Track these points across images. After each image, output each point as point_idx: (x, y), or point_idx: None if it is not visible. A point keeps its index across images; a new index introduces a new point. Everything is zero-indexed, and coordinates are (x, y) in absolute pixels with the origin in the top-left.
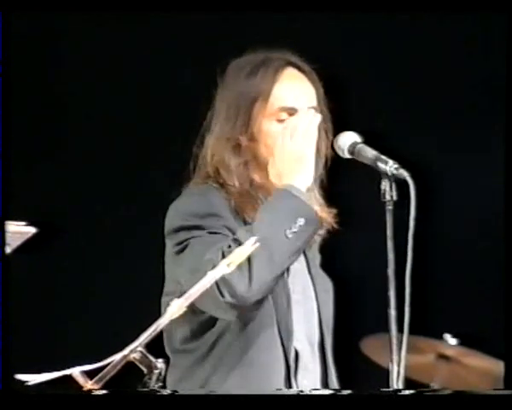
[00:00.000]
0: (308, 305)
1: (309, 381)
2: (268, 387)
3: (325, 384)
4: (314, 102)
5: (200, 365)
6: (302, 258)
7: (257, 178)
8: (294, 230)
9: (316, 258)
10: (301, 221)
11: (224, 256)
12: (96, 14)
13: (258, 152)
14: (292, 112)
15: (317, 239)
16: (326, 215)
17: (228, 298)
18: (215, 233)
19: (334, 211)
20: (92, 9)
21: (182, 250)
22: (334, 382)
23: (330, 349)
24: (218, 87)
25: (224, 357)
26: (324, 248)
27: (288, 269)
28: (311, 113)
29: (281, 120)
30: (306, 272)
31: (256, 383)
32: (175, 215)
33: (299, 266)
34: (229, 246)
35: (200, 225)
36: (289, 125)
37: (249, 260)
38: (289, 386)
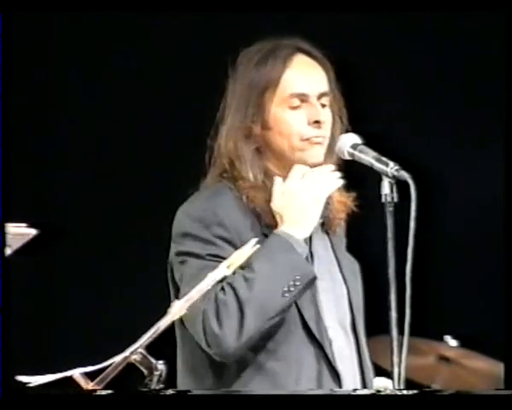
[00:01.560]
0: (337, 289)
1: (345, 366)
2: (305, 382)
3: (361, 367)
4: (326, 88)
5: (227, 366)
6: (327, 243)
7: (270, 166)
8: (291, 289)
9: (342, 242)
10: (298, 281)
11: (216, 302)
12: (96, 15)
13: (270, 140)
14: (304, 98)
15: (341, 223)
16: (345, 199)
17: (214, 350)
18: (216, 257)
19: (354, 194)
20: (92, 9)
21: (182, 263)
22: (368, 364)
23: (363, 331)
24: (229, 78)
25: (250, 358)
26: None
27: (312, 257)
28: (333, 174)
29: (293, 107)
30: (332, 256)
31: (290, 380)
32: (182, 219)
33: (324, 252)
34: (223, 288)
35: (204, 238)
36: (311, 176)
37: (242, 314)
38: (335, 374)
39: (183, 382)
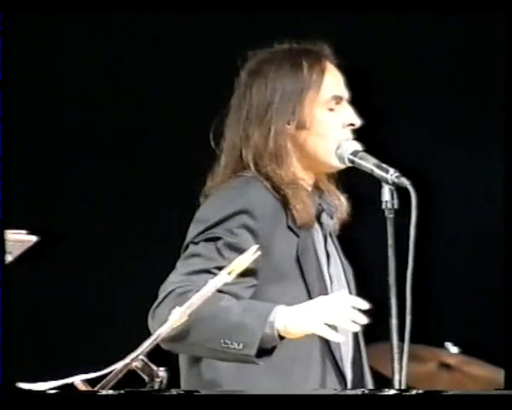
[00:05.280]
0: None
1: (349, 369)
2: (312, 381)
3: (361, 370)
4: (348, 94)
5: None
6: (333, 246)
7: (298, 169)
8: (230, 346)
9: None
10: (238, 344)
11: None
12: (96, 15)
13: (305, 141)
14: (339, 101)
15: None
16: (344, 201)
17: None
18: (231, 248)
19: (346, 195)
20: (92, 9)
21: (196, 243)
22: (367, 368)
23: (362, 337)
24: (252, 79)
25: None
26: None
27: (328, 258)
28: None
29: (331, 109)
30: (338, 259)
31: (297, 378)
32: (209, 204)
33: (334, 255)
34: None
35: (227, 228)
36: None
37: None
38: (341, 377)
39: (188, 375)
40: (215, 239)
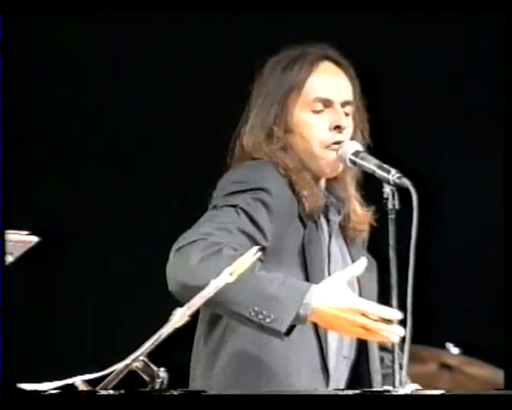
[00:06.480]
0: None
1: (345, 367)
2: (304, 377)
3: (357, 370)
4: (350, 96)
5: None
6: (343, 243)
7: (291, 165)
8: (260, 316)
9: (360, 241)
10: (268, 317)
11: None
12: (96, 14)
13: (293, 142)
14: (327, 103)
15: (362, 235)
16: (365, 213)
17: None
18: (247, 215)
19: (373, 208)
20: (92, 9)
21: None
22: (376, 366)
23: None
24: (254, 83)
25: (248, 351)
26: None
27: (329, 256)
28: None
29: (316, 111)
30: (348, 257)
31: (287, 375)
32: (225, 183)
33: (340, 252)
34: (235, 249)
35: (244, 199)
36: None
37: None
38: (326, 375)
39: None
40: (233, 206)
